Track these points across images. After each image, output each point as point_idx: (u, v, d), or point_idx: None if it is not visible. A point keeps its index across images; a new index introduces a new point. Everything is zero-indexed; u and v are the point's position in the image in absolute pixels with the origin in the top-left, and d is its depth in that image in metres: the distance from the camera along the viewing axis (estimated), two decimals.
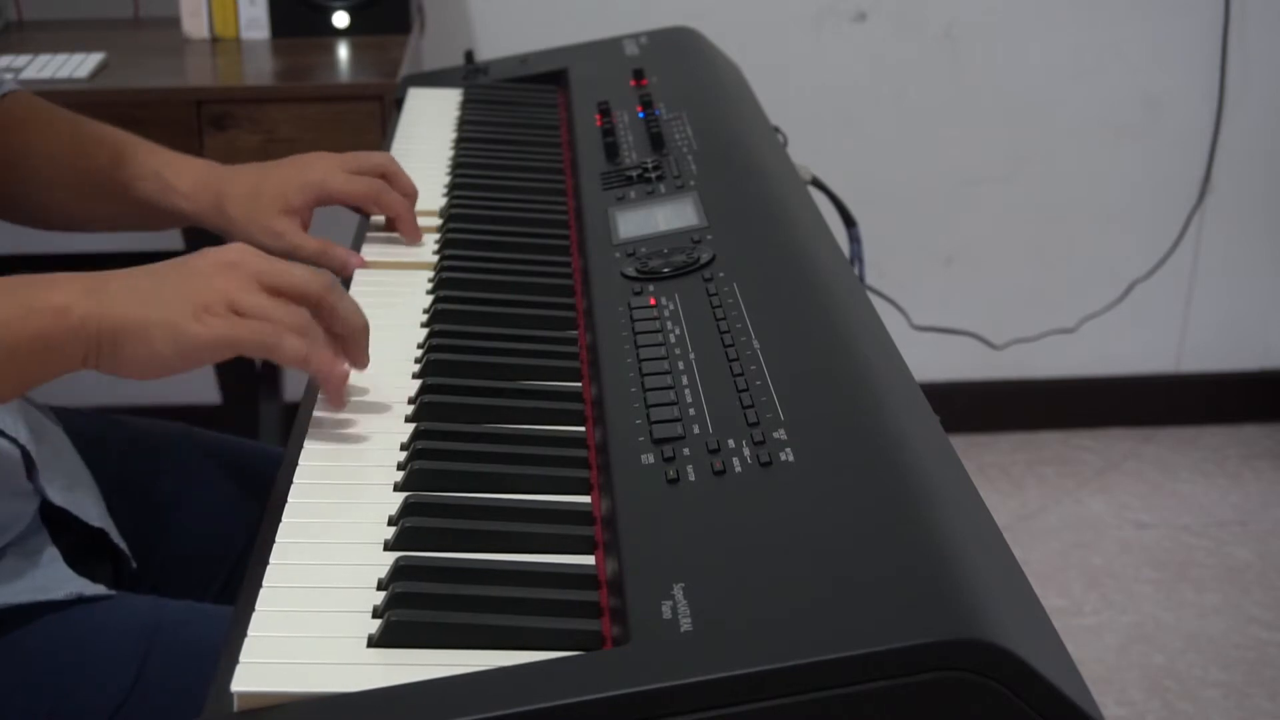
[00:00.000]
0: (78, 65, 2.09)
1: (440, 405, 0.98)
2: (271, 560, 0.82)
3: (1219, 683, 2.24)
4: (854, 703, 0.67)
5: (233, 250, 0.98)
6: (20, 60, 2.11)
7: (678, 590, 0.73)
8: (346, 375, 0.97)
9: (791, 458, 0.84)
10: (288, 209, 1.27)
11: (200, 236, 1.36)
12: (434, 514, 0.86)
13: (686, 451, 0.87)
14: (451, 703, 0.68)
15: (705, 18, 2.10)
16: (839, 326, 1.00)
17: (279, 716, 0.70)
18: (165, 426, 1.36)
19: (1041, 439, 2.93)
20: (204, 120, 2.01)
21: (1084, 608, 2.42)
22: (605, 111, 1.51)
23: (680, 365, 0.97)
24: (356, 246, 1.29)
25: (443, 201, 1.37)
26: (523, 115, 1.60)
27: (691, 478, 0.84)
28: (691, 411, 0.91)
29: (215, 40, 2.28)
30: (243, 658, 0.73)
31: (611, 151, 1.40)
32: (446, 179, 1.43)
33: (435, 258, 1.26)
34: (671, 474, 0.85)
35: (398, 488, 0.91)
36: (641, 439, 0.89)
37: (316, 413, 0.99)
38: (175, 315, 0.92)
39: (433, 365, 1.05)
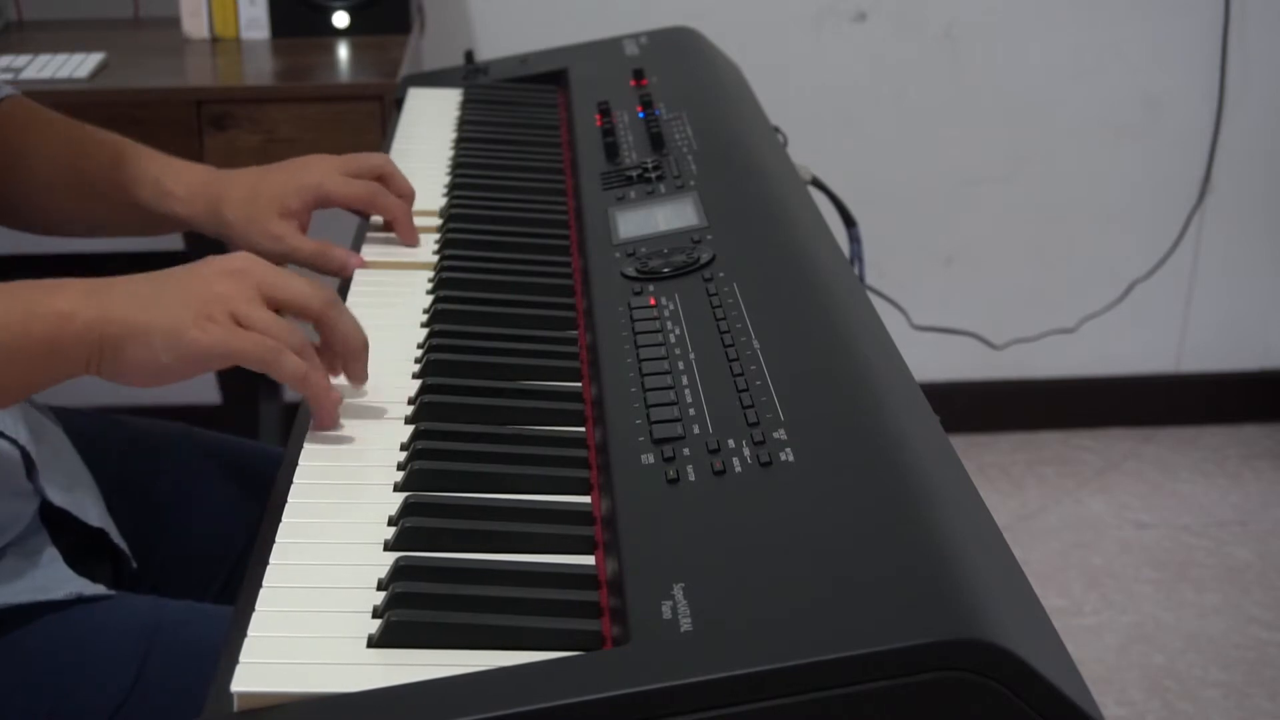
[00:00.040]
0: (78, 65, 2.08)
1: (440, 405, 0.98)
2: (271, 560, 0.82)
3: (1219, 683, 2.24)
4: (854, 703, 0.67)
5: (238, 258, 0.98)
6: (20, 60, 2.11)
7: (678, 590, 0.73)
8: (340, 401, 0.98)
9: (791, 458, 0.84)
10: (285, 212, 1.27)
11: (201, 237, 1.36)
12: (434, 514, 0.86)
13: (686, 451, 0.87)
14: (451, 703, 0.68)
15: (705, 18, 2.10)
16: (839, 326, 1.00)
17: (279, 716, 0.70)
18: (165, 426, 1.36)
19: (1041, 439, 2.93)
20: (204, 120, 2.01)
21: (1084, 608, 2.42)
22: (605, 111, 1.51)
23: (680, 365, 0.97)
24: (356, 247, 1.29)
25: (443, 201, 1.37)
26: (523, 115, 1.60)
27: (691, 478, 0.84)
28: (691, 411, 0.91)
29: (215, 40, 2.28)
30: (243, 658, 0.73)
31: (611, 151, 1.40)
32: (446, 179, 1.43)
33: (435, 258, 1.26)
34: (671, 474, 0.85)
35: (398, 488, 0.91)
36: (641, 439, 0.89)
37: None
38: (176, 320, 0.92)
39: (433, 365, 1.05)
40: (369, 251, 1.28)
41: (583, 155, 1.42)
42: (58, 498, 1.11)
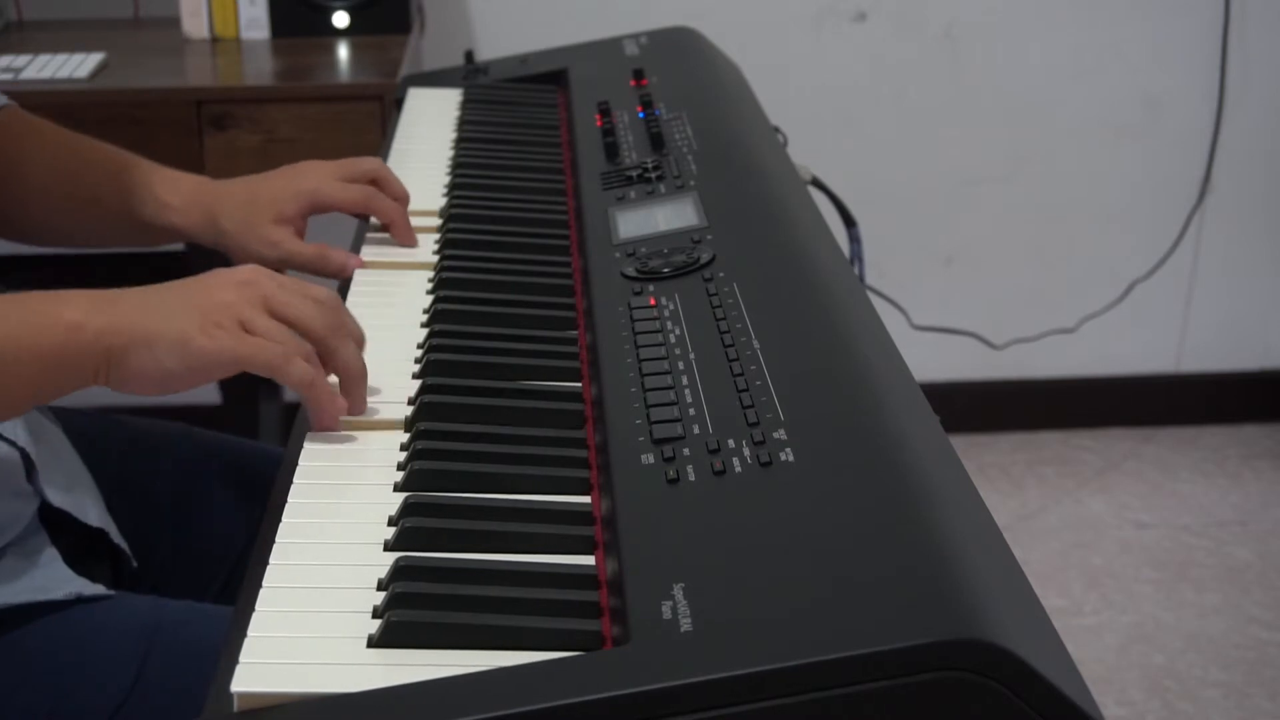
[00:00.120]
0: (78, 65, 2.08)
1: (440, 405, 0.98)
2: (271, 560, 0.82)
3: (1219, 683, 2.24)
4: (854, 703, 0.67)
5: (246, 270, 0.99)
6: (20, 60, 2.10)
7: (678, 590, 0.73)
8: (344, 409, 0.98)
9: (791, 458, 0.84)
10: (281, 218, 1.28)
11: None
12: (434, 514, 0.86)
13: (686, 451, 0.87)
14: (451, 703, 0.68)
15: (705, 18, 2.10)
16: (839, 326, 1.00)
17: (279, 716, 0.70)
18: (165, 426, 1.36)
19: (1041, 439, 2.93)
20: (204, 120, 2.01)
21: (1084, 608, 2.42)
22: (605, 111, 1.51)
23: (680, 365, 0.97)
24: (356, 248, 1.29)
25: (443, 201, 1.37)
26: (523, 115, 1.60)
27: (691, 478, 0.84)
28: (691, 411, 0.91)
29: (215, 40, 2.28)
30: (243, 658, 0.73)
31: (611, 151, 1.40)
32: (446, 179, 1.43)
33: (435, 258, 1.26)
34: (671, 474, 0.85)
35: (398, 488, 0.91)
36: (641, 439, 0.89)
37: None
38: (183, 328, 0.92)
39: (433, 365, 1.05)
40: (369, 252, 1.28)
41: (583, 155, 1.42)
42: (57, 498, 1.11)
